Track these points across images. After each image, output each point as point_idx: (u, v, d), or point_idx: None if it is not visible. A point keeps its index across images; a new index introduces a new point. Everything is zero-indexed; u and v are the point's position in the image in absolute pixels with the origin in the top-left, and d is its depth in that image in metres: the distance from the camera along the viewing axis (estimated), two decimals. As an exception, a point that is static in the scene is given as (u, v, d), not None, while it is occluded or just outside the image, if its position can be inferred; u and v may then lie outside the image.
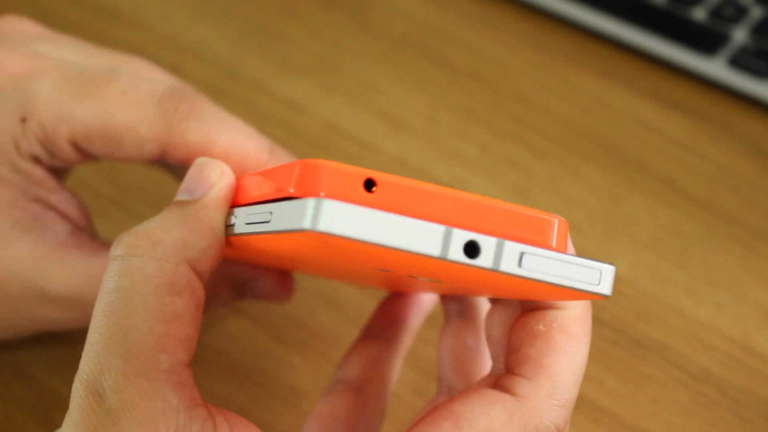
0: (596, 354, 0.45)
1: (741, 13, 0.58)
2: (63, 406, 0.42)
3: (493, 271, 0.27)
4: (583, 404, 0.43)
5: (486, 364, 0.37)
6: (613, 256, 0.48)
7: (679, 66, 0.57)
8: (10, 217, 0.38)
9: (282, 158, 0.38)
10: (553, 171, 0.52)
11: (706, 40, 0.57)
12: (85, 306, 0.38)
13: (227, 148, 0.37)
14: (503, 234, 0.27)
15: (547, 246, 0.28)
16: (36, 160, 0.39)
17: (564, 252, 0.28)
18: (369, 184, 0.27)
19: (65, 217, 0.40)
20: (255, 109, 0.55)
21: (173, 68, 0.56)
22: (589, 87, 0.57)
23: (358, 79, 0.57)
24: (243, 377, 0.43)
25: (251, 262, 0.40)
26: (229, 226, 0.32)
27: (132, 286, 0.30)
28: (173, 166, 0.42)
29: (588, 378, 0.44)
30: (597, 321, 0.46)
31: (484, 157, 0.53)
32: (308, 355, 0.44)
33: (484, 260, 0.27)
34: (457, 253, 0.27)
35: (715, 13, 0.58)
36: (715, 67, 0.56)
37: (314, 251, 0.30)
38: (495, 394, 0.30)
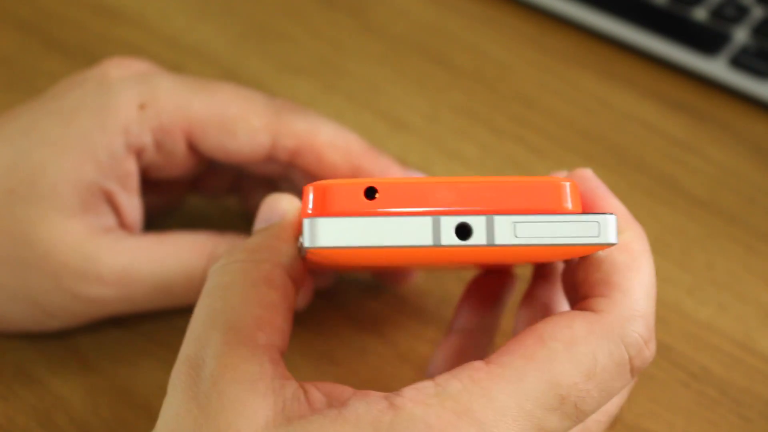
0: (597, 354, 0.45)
1: (742, 13, 0.58)
2: (64, 406, 0.42)
3: (490, 246, 0.28)
4: (584, 404, 0.43)
5: None
6: (614, 256, 0.48)
7: (680, 66, 0.57)
8: (80, 196, 0.40)
9: (384, 156, 0.42)
10: (553, 171, 0.52)
11: (707, 40, 0.57)
12: (129, 283, 0.40)
13: (332, 139, 0.41)
14: (499, 209, 0.28)
15: (557, 209, 0.29)
16: (139, 153, 0.41)
17: (571, 212, 0.29)
18: (370, 192, 0.28)
19: (122, 222, 0.41)
20: (256, 109, 0.54)
21: (174, 68, 0.56)
22: (589, 87, 0.57)
23: (359, 79, 0.57)
24: (244, 377, 0.43)
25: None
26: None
27: (232, 279, 0.32)
28: (279, 171, 0.44)
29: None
30: (598, 321, 0.46)
31: (485, 157, 0.53)
32: (308, 354, 0.44)
33: (478, 238, 0.28)
34: (450, 238, 0.28)
35: (716, 13, 0.58)
36: (716, 67, 0.56)
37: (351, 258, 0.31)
38: (575, 312, 0.31)
